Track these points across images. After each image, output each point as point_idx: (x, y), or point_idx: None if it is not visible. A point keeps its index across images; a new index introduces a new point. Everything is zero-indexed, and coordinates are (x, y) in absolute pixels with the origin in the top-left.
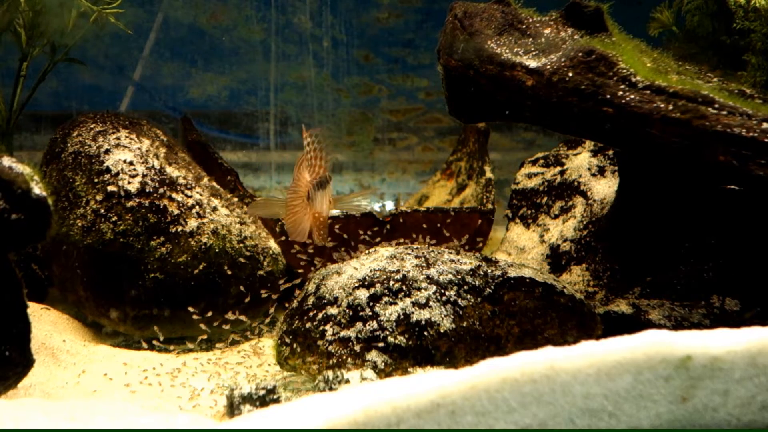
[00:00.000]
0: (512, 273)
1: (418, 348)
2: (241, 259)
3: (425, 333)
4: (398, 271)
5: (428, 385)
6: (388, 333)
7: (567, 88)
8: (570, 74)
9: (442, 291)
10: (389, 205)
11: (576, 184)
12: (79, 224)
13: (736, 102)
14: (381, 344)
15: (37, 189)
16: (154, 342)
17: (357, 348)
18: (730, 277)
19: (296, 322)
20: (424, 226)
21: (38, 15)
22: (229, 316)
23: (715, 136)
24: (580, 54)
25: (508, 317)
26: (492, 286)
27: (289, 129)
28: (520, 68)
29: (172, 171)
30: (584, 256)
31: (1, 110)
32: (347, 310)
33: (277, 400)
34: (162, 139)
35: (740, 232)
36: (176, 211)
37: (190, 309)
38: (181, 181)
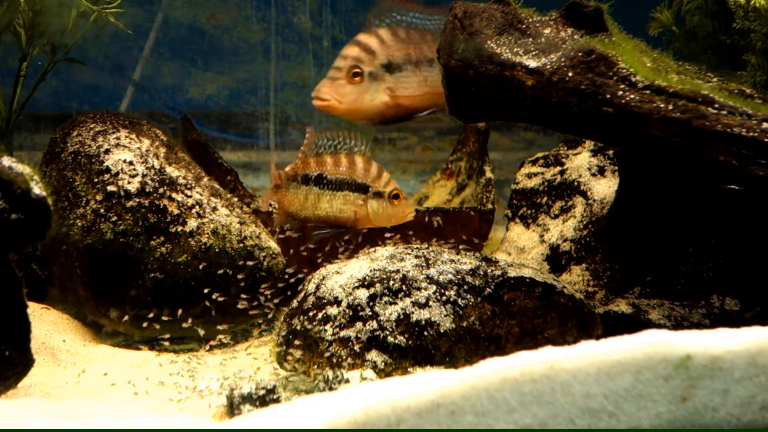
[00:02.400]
0: (512, 273)
1: (418, 348)
2: (241, 260)
3: (425, 333)
4: (398, 271)
5: (428, 385)
6: (388, 333)
7: (567, 87)
8: (570, 74)
9: (442, 291)
10: None
11: (576, 183)
12: (79, 224)
13: (736, 102)
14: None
15: (37, 189)
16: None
17: (357, 348)
18: (730, 277)
19: (296, 321)
20: (424, 226)
21: (38, 15)
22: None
23: (715, 135)
24: (580, 54)
25: (508, 317)
26: (492, 286)
27: (289, 129)
28: (520, 68)
29: (172, 171)
30: (584, 256)
31: (1, 110)
32: (347, 310)
33: (277, 400)
34: (162, 139)
35: (740, 232)
36: (176, 211)
37: (192, 322)
38: (181, 181)
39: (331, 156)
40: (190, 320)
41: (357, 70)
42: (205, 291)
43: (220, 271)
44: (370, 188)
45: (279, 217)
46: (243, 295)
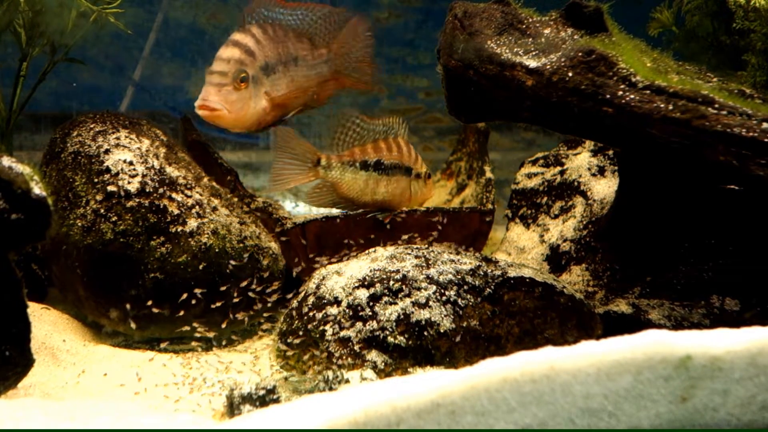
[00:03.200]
0: (512, 273)
1: (418, 348)
2: (241, 260)
3: (425, 333)
4: (398, 271)
5: (428, 385)
6: (388, 333)
7: (567, 88)
8: (570, 74)
9: (442, 291)
10: None
11: (576, 184)
12: (79, 224)
13: (736, 102)
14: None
15: (37, 189)
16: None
17: (357, 348)
18: (730, 277)
19: (296, 322)
20: (425, 226)
21: (38, 15)
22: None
23: (715, 136)
24: (580, 54)
25: (508, 317)
26: (492, 286)
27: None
28: (520, 68)
29: (172, 171)
30: (584, 256)
31: (1, 110)
32: (347, 310)
33: (277, 400)
34: (162, 139)
35: (740, 233)
36: (176, 211)
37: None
38: (181, 181)
39: (383, 141)
40: (182, 313)
41: (244, 74)
42: (199, 293)
43: (223, 288)
44: (413, 170)
45: (323, 199)
46: (237, 296)
